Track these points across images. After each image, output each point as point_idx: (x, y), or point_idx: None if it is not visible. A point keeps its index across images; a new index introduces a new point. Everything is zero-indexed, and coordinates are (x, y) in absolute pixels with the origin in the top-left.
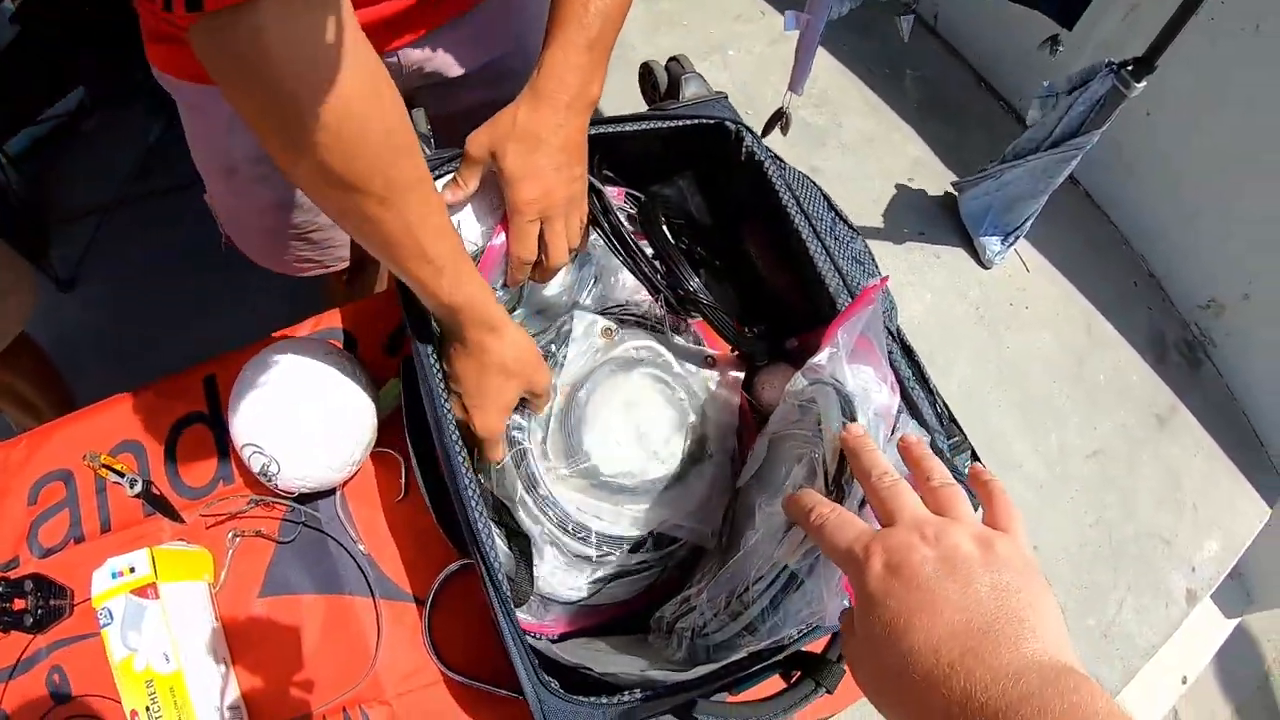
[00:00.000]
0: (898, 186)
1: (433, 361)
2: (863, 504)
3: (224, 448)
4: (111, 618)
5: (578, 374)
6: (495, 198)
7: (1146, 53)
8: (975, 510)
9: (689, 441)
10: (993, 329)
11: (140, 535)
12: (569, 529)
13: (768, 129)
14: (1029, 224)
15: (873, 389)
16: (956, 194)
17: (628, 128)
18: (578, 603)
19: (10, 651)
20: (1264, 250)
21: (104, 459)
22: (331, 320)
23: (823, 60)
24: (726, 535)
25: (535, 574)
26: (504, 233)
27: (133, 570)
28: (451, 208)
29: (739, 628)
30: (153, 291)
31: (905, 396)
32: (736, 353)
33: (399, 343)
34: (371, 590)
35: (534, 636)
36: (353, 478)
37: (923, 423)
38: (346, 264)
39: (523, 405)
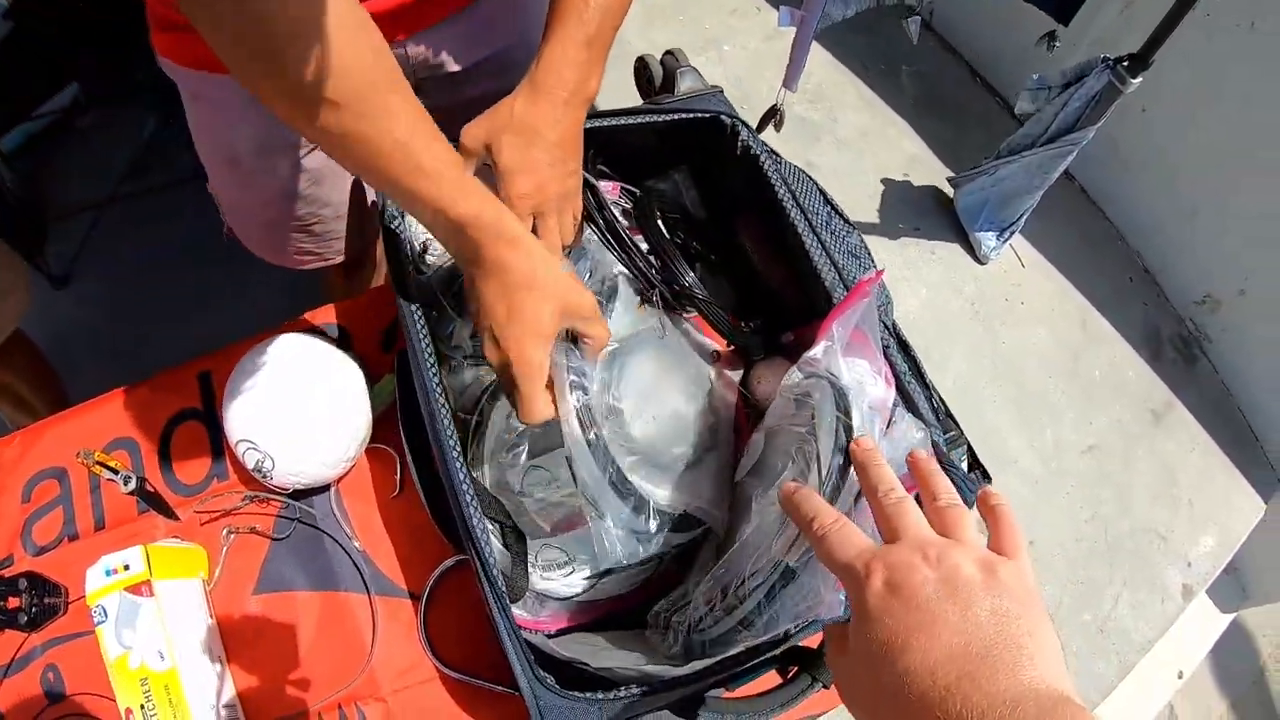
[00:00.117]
0: (893, 182)
1: (423, 334)
2: (858, 497)
3: (218, 444)
4: (106, 615)
5: (621, 333)
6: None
7: (1142, 48)
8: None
9: (705, 426)
10: (988, 324)
11: (134, 533)
12: (623, 490)
13: (763, 125)
14: (1024, 219)
15: (868, 382)
16: (952, 189)
17: (623, 122)
18: (573, 598)
19: (4, 650)
20: (1259, 246)
21: (98, 456)
22: (326, 316)
23: (818, 56)
24: (724, 529)
25: (604, 528)
26: None
27: (127, 568)
28: None
29: (734, 622)
30: (148, 288)
31: (901, 390)
32: (732, 347)
33: (394, 338)
34: (367, 587)
35: (529, 632)
36: (348, 474)
37: (918, 416)
38: (344, 257)
39: (576, 346)
